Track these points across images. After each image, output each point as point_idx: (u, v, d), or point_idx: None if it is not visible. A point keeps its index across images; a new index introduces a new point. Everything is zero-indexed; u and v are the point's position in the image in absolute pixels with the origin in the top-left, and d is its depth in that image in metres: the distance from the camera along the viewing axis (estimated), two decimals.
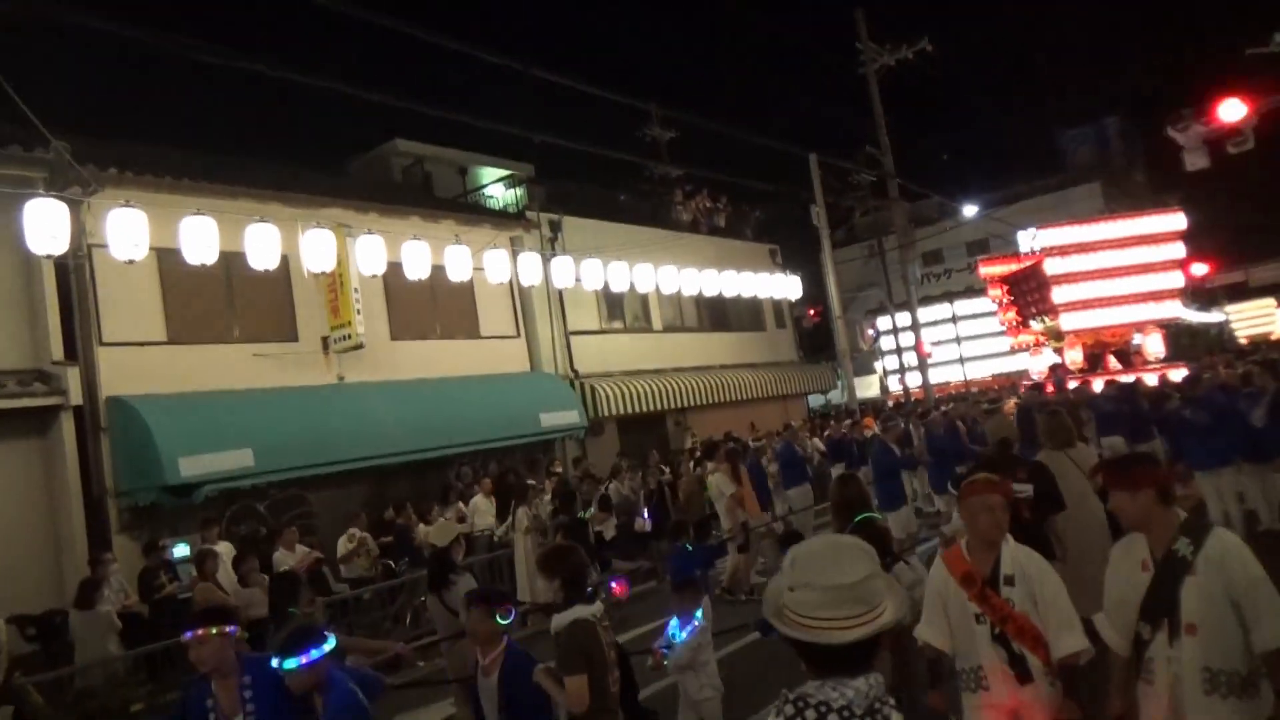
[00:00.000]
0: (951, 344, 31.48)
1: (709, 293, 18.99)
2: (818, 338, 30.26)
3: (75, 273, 11.21)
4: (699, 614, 5.67)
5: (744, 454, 13.19)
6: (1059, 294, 21.36)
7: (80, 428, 11.26)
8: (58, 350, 11.26)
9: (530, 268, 14.41)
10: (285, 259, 11.90)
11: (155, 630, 9.16)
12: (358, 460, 13.24)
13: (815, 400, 29.28)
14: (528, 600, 10.84)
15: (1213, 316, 33.95)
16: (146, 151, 14.75)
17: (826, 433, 17.81)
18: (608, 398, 18.30)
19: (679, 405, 20.38)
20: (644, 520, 13.33)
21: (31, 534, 11.01)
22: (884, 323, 31.23)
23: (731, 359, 23.43)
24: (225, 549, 10.56)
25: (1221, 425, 9.29)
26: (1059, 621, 3.59)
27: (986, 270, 25.28)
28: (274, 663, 3.86)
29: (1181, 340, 26.54)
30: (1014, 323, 24.72)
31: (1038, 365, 23.95)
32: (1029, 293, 23.51)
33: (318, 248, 11.85)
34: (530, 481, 13.39)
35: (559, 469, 16.31)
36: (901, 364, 29.79)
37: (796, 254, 26.23)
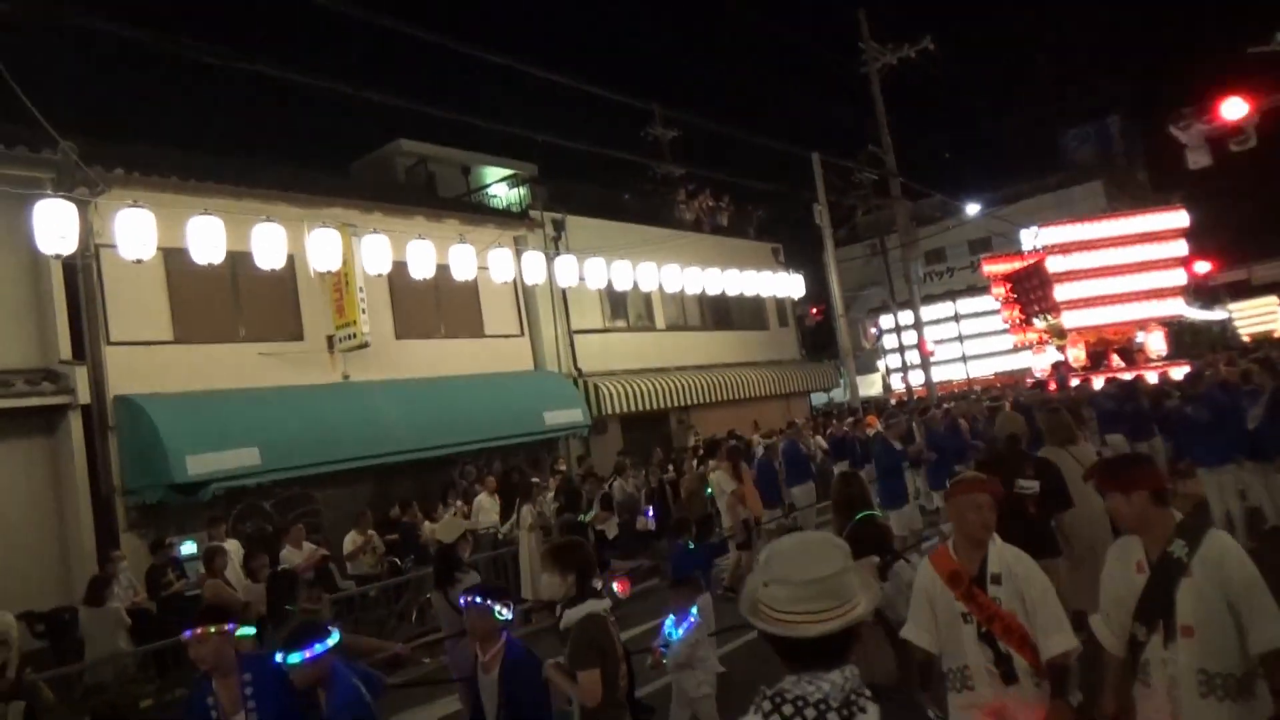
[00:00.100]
0: (954, 342, 31.53)
1: (712, 291, 19.07)
2: (820, 336, 30.28)
3: (83, 273, 11.28)
4: (694, 610, 5.70)
5: (746, 452, 13.24)
6: (1061, 292, 21.42)
7: (88, 426, 11.33)
8: (65, 349, 11.33)
9: (534, 267, 14.48)
10: (291, 258, 11.99)
11: (164, 627, 9.22)
12: (363, 459, 13.30)
13: (818, 399, 29.33)
14: (530, 598, 10.92)
15: (1215, 314, 33.95)
16: (152, 152, 14.83)
17: (829, 431, 17.87)
18: (611, 396, 18.36)
19: (682, 404, 20.43)
20: (647, 519, 13.38)
21: (39, 532, 11.08)
22: (886, 321, 31.27)
23: (734, 357, 23.48)
24: (233, 547, 10.63)
25: (1222, 423, 9.30)
26: (1047, 621, 3.55)
27: (990, 268, 25.34)
28: (278, 657, 3.87)
29: (1184, 338, 26.58)
30: (1017, 321, 24.78)
31: (1040, 363, 24.02)
32: (1031, 291, 23.57)
33: (323, 247, 11.93)
34: (534, 479, 13.46)
35: (563, 467, 16.38)
36: (904, 362, 29.81)
37: (799, 253, 26.27)
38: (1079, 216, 23.79)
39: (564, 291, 17.91)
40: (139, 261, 10.10)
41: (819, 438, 17.26)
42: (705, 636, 5.78)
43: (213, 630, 3.88)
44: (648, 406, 19.22)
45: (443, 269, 13.30)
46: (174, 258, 11.52)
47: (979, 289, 29.41)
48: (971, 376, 30.34)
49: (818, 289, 26.03)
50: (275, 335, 13.71)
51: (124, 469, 11.60)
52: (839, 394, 28.17)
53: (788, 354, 26.54)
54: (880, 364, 32.88)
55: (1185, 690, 3.17)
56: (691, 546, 8.42)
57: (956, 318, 31.58)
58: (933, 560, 3.86)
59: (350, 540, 11.90)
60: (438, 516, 12.83)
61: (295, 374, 13.62)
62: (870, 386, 31.35)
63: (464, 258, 13.32)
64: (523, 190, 19.83)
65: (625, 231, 19.53)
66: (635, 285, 17.13)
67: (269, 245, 11.09)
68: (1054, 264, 21.42)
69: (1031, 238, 23.44)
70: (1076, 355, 21.93)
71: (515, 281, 15.50)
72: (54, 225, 9.04)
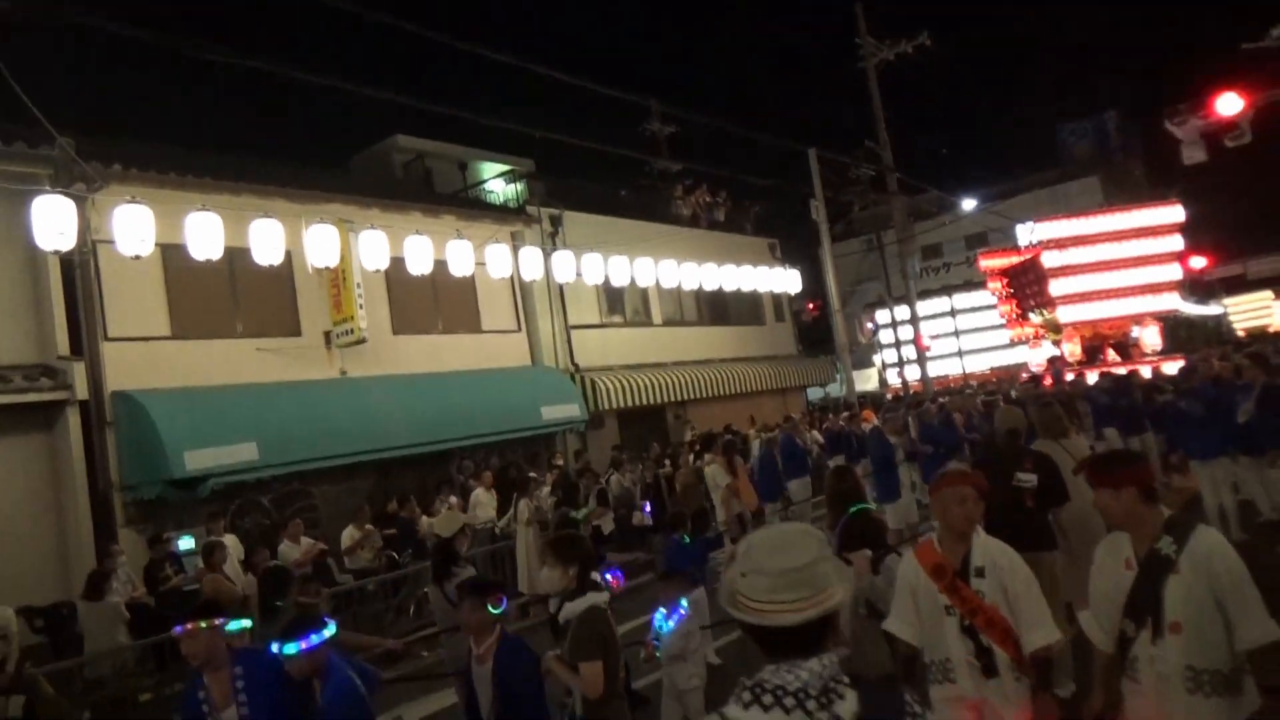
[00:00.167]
0: (950, 337, 31.56)
1: (709, 287, 19.12)
2: (817, 331, 30.31)
3: (81, 268, 11.28)
4: (684, 603, 5.73)
5: (742, 447, 13.29)
6: (1056, 287, 21.46)
7: (86, 422, 11.35)
8: (63, 345, 11.35)
9: (531, 262, 14.51)
10: (289, 254, 12.01)
11: (163, 621, 9.25)
12: (360, 454, 13.35)
13: (814, 393, 29.38)
14: (527, 592, 10.97)
15: (1210, 309, 34.01)
16: (150, 149, 14.84)
17: (825, 425, 17.93)
18: (608, 391, 18.41)
19: (679, 398, 20.48)
20: (643, 514, 13.44)
21: (37, 527, 11.10)
22: (883, 316, 31.28)
23: (731, 352, 23.52)
24: (231, 542, 10.68)
25: (1216, 417, 9.37)
26: (1030, 615, 3.57)
27: (986, 263, 25.38)
28: (274, 648, 3.88)
29: (1179, 333, 26.63)
30: (1013, 315, 24.84)
31: (1037, 358, 24.08)
32: (1027, 286, 23.63)
33: (321, 243, 11.96)
34: (531, 474, 13.51)
35: (560, 462, 16.42)
36: (900, 357, 29.85)
37: (796, 248, 26.32)
38: (1075, 212, 23.84)
39: (561, 287, 17.94)
40: (137, 257, 10.13)
41: (815, 432, 17.33)
42: (696, 629, 5.81)
43: (203, 625, 3.88)
44: (644, 401, 19.27)
45: (440, 265, 13.32)
46: (172, 253, 11.54)
47: (975, 284, 29.44)
48: (968, 371, 30.38)
49: (814, 284, 26.10)
50: (273, 331, 13.74)
51: (122, 464, 11.63)
52: (835, 389, 28.21)
53: (784, 349, 26.59)
54: (876, 359, 32.91)
55: (1173, 687, 3.19)
56: (687, 541, 8.47)
57: (953, 313, 31.59)
58: (917, 553, 3.87)
59: (348, 535, 11.95)
60: (435, 511, 12.88)
61: (293, 369, 13.65)
62: (866, 381, 31.39)
63: (461, 253, 13.35)
64: (520, 186, 19.86)
65: (622, 227, 19.57)
66: (632, 280, 17.19)
67: (267, 241, 11.11)
68: (1049, 259, 21.47)
69: (1028, 233, 23.48)
70: (1072, 350, 21.99)
71: (512, 277, 15.53)
72: (52, 221, 9.07)
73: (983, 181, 31.75)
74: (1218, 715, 3.14)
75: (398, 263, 12.96)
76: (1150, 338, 21.49)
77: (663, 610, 5.62)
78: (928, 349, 26.48)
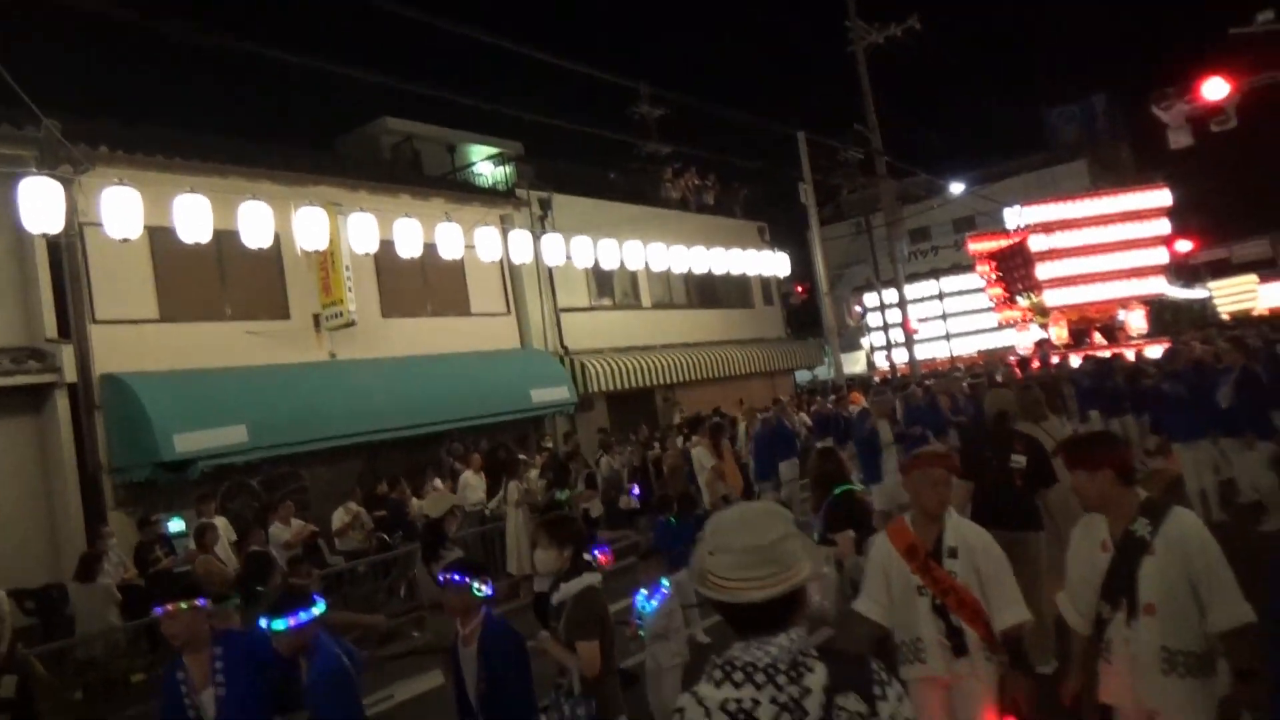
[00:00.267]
0: (938, 320, 31.67)
1: (698, 270, 19.16)
2: (805, 314, 30.37)
3: (68, 251, 11.24)
4: (665, 582, 5.80)
5: (730, 430, 13.35)
6: (1043, 270, 21.59)
7: (74, 405, 11.34)
8: (51, 328, 11.32)
9: (520, 245, 14.52)
10: (277, 237, 11.98)
11: (154, 602, 9.31)
12: (350, 436, 13.38)
13: (802, 376, 29.48)
14: (516, 573, 11.03)
15: (1196, 293, 34.19)
16: (137, 131, 14.74)
17: (813, 408, 18.03)
18: (597, 374, 18.46)
19: (668, 381, 20.55)
20: (631, 497, 13.50)
21: (26, 510, 11.11)
22: (871, 299, 31.34)
23: (720, 335, 23.58)
24: (221, 524, 10.71)
25: (1198, 400, 9.49)
26: (1001, 595, 3.61)
27: (975, 247, 25.49)
28: (261, 623, 3.91)
29: (1164, 316, 26.79)
30: (1001, 299, 24.98)
31: (1024, 341, 24.23)
32: (1015, 269, 23.78)
33: (309, 226, 11.95)
34: (521, 456, 13.56)
35: (549, 444, 16.48)
36: (888, 340, 29.94)
37: (784, 231, 26.32)
38: (1063, 195, 23.94)
39: (550, 270, 17.96)
40: (126, 240, 10.11)
41: (803, 415, 17.42)
42: (678, 608, 5.88)
43: (184, 606, 3.87)
44: (633, 384, 19.33)
45: (429, 247, 13.32)
46: (160, 236, 11.50)
47: (963, 267, 29.55)
48: (955, 354, 30.50)
49: (803, 267, 26.12)
50: (262, 314, 13.73)
51: (111, 447, 11.63)
52: (823, 371, 28.30)
53: (773, 332, 26.67)
54: (864, 342, 33.00)
55: (1148, 667, 3.23)
56: (674, 522, 8.55)
57: (940, 296, 31.69)
58: (890, 533, 3.89)
59: (339, 517, 12.00)
60: (425, 493, 12.92)
61: (282, 352, 13.65)
62: (854, 364, 31.49)
63: (450, 236, 13.34)
64: (508, 169, 19.81)
65: (611, 210, 19.56)
66: (621, 264, 17.20)
67: (255, 224, 11.11)
68: (1037, 242, 21.59)
69: (1015, 216, 23.60)
70: (1059, 333, 22.15)
71: (501, 260, 15.54)
72: (39, 203, 9.06)
73: (971, 165, 31.74)
74: (1192, 696, 3.18)
75: (387, 245, 12.96)
76: (1136, 321, 21.66)
77: (644, 590, 5.69)
78: (915, 332, 26.58)
